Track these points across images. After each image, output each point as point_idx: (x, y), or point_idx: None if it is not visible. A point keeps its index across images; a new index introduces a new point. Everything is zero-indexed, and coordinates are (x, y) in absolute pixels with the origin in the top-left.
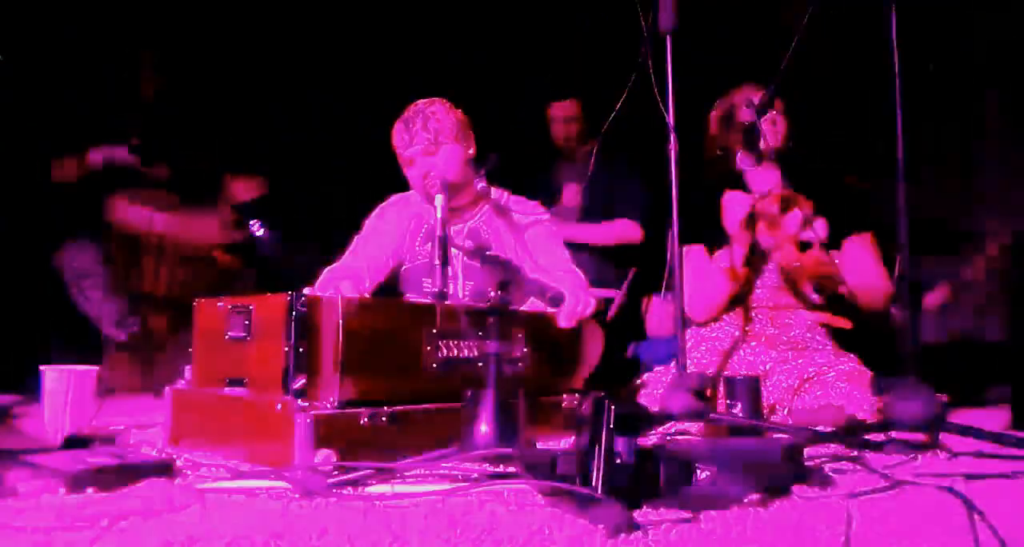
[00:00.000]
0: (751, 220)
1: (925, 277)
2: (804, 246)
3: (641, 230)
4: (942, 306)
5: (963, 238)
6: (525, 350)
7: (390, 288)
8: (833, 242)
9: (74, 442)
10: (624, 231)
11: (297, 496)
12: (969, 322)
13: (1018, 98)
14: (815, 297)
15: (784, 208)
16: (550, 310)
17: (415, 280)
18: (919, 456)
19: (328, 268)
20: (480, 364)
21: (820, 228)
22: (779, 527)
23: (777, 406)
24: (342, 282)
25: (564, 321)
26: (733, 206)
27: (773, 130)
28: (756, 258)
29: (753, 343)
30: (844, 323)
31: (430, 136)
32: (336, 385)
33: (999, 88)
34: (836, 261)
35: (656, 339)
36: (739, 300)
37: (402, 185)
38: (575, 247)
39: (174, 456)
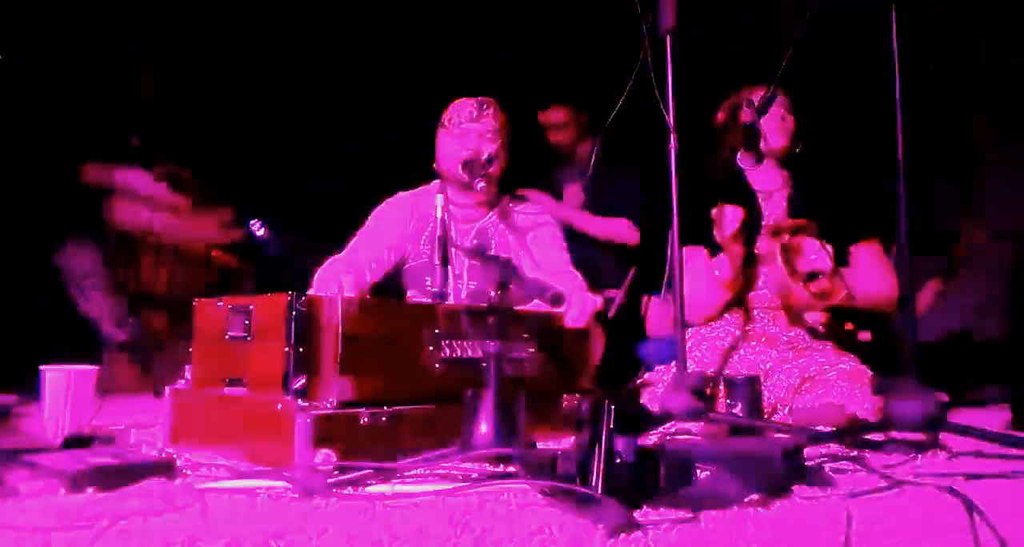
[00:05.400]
0: (742, 234)
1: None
2: (812, 276)
3: (638, 232)
4: (932, 305)
5: (951, 238)
6: (528, 350)
7: (393, 286)
8: (839, 248)
9: (74, 442)
10: (622, 230)
11: (297, 496)
12: (964, 320)
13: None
14: (819, 328)
15: (794, 232)
16: (553, 310)
17: (418, 279)
18: (919, 456)
19: (329, 259)
20: (481, 364)
21: (825, 257)
22: (779, 527)
23: (777, 406)
24: (344, 276)
25: (573, 321)
26: (724, 220)
27: (781, 127)
28: (749, 269)
29: (753, 343)
30: (845, 324)
31: (497, 127)
32: (336, 385)
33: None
34: (844, 279)
35: (656, 339)
36: (739, 300)
37: (402, 184)
38: (575, 247)
39: (174, 456)
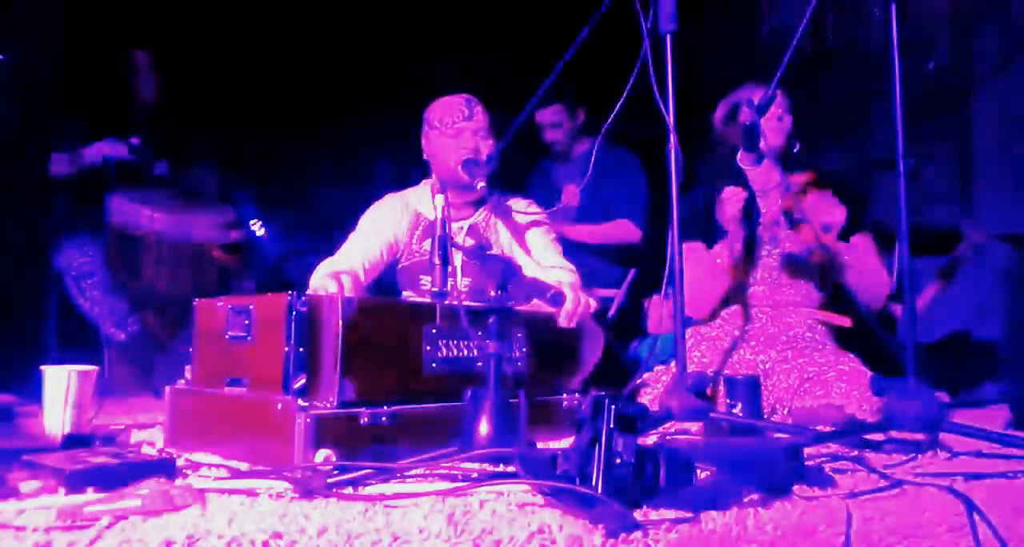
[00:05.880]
0: (746, 214)
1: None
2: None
3: (639, 231)
4: (931, 305)
5: (954, 238)
6: (525, 350)
7: (387, 286)
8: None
9: (74, 442)
10: (622, 232)
11: (297, 496)
12: (964, 320)
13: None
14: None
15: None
16: (550, 309)
17: (412, 278)
18: (919, 456)
19: (324, 262)
20: (480, 364)
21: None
22: (779, 527)
23: (777, 406)
24: (344, 276)
25: (564, 321)
26: (729, 200)
27: (779, 126)
28: (751, 253)
29: (753, 343)
30: (844, 321)
31: (487, 123)
32: (336, 385)
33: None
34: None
35: (656, 338)
36: (738, 298)
37: (402, 184)
38: (577, 246)
39: (174, 456)
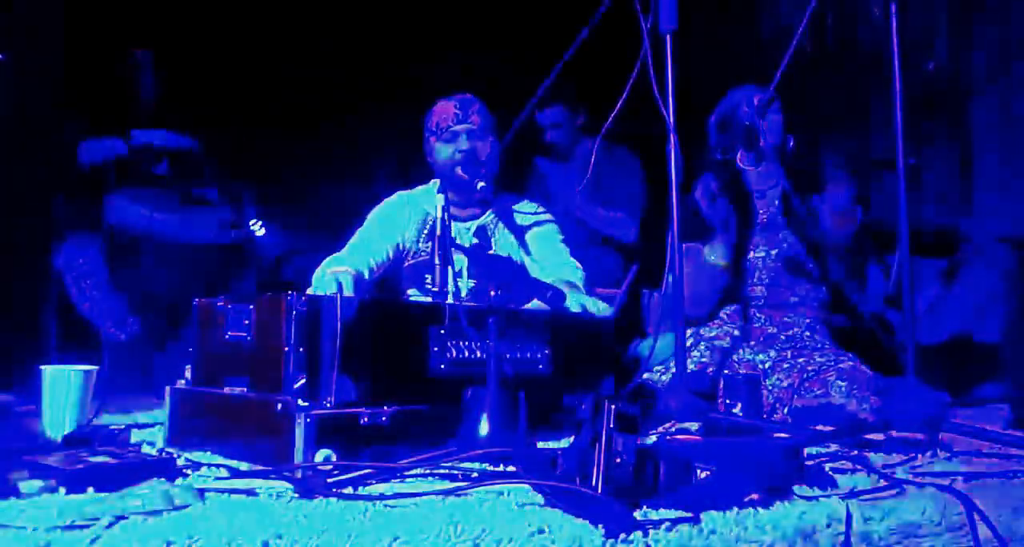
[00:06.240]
0: (742, 215)
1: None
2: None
3: (634, 231)
4: (933, 305)
5: (957, 239)
6: (543, 351)
7: (392, 284)
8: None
9: (74, 441)
10: (618, 226)
11: (297, 496)
12: (965, 321)
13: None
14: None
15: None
16: (552, 309)
17: (417, 277)
18: (919, 456)
19: (329, 258)
20: (480, 363)
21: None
22: (779, 527)
23: (777, 406)
24: (344, 275)
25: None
26: (701, 198)
27: (768, 125)
28: (742, 251)
29: (753, 342)
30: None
31: (484, 123)
32: (336, 385)
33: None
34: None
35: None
36: (738, 298)
37: (403, 183)
38: (576, 247)
39: (174, 456)
